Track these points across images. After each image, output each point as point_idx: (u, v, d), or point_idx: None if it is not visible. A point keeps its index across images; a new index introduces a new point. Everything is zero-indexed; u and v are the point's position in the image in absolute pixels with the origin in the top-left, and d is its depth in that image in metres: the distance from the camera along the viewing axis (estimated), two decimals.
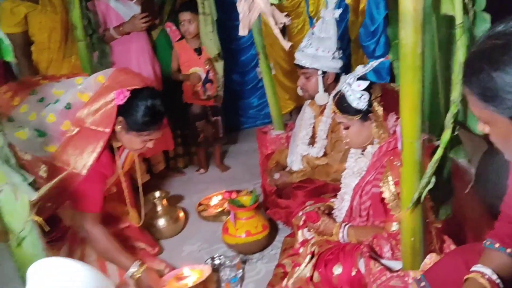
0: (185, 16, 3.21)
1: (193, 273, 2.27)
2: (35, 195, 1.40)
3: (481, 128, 1.02)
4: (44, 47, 2.98)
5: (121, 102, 2.04)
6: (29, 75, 2.91)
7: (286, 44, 1.25)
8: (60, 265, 0.84)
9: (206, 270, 2.20)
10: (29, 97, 2.14)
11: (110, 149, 2.21)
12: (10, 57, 1.41)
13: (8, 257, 1.56)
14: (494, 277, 1.12)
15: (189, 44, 3.32)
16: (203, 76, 3.31)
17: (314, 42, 2.50)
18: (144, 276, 2.11)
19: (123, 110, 2.07)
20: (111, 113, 2.06)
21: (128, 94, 2.05)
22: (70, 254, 2.28)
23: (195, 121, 3.42)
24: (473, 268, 1.16)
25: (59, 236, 2.31)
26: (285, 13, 1.26)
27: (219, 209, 2.97)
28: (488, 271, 1.13)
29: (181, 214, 2.89)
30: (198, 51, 3.32)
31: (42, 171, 1.94)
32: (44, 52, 3.00)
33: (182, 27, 3.26)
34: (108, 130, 2.06)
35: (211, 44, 3.16)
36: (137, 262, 2.14)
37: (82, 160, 2.02)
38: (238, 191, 2.93)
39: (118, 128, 2.10)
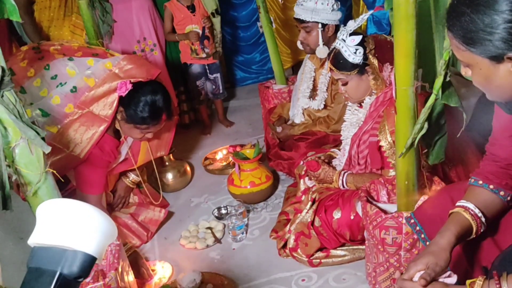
0: None
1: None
2: (48, 149, 1.48)
3: (463, 71, 1.08)
4: (45, 5, 3.00)
5: (123, 94, 2.10)
6: (34, 34, 2.95)
7: None
8: (71, 206, 0.87)
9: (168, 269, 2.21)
10: (43, 71, 2.19)
11: (116, 133, 2.27)
12: (16, 17, 1.45)
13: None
14: (476, 211, 1.20)
15: (181, 2, 3.30)
16: (200, 33, 3.32)
17: None
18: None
19: (125, 102, 2.13)
20: (113, 101, 2.11)
21: (130, 87, 2.10)
22: None
23: (196, 80, 3.46)
24: (457, 204, 1.25)
25: (68, 195, 2.37)
26: None
27: (224, 163, 3.07)
28: (471, 206, 1.21)
29: (188, 168, 2.99)
30: (192, 8, 3.29)
31: None
32: (45, 10, 3.02)
33: None
34: (108, 117, 2.12)
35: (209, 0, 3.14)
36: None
37: (81, 145, 2.09)
38: (242, 145, 3.01)
39: (118, 116, 2.18)
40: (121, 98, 2.14)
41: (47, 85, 2.16)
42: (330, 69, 2.06)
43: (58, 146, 2.03)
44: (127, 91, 2.10)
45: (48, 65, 2.22)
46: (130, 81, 2.12)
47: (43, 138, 1.49)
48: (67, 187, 2.33)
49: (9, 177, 1.47)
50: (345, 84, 2.04)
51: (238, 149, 2.92)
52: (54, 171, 1.55)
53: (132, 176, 2.55)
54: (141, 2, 3.24)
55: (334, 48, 2.02)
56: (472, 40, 0.98)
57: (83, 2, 2.72)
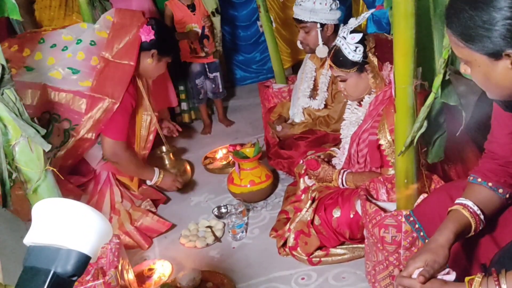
0: None
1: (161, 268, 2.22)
2: (48, 147, 1.49)
3: (463, 69, 1.08)
4: (46, 5, 3.02)
5: (152, 37, 2.31)
6: None
7: None
8: (66, 205, 0.87)
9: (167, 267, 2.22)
10: (39, 46, 2.26)
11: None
12: (17, 15, 1.46)
13: None
14: (475, 208, 1.21)
15: (181, 1, 3.30)
16: (199, 32, 3.32)
17: None
18: (162, 181, 2.57)
19: (155, 42, 2.34)
20: (135, 47, 2.29)
21: (151, 30, 2.31)
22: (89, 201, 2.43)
23: (195, 79, 3.47)
24: (456, 201, 1.25)
25: (87, 180, 2.46)
26: None
27: (224, 162, 3.07)
28: (469, 203, 1.22)
29: (188, 167, 2.99)
30: (192, 7, 3.31)
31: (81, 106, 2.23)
32: (45, 10, 3.04)
33: None
34: (133, 62, 2.28)
35: None
36: (157, 171, 2.55)
37: (117, 90, 2.24)
38: (242, 145, 3.02)
39: (149, 60, 2.37)
40: (144, 44, 2.33)
41: (50, 53, 2.26)
42: (330, 66, 2.07)
43: (98, 96, 2.19)
44: (152, 34, 2.31)
45: (42, 39, 2.30)
46: (151, 26, 2.33)
47: (43, 136, 1.50)
48: (81, 179, 2.41)
49: (9, 175, 1.48)
50: (343, 81, 2.05)
51: (238, 148, 2.93)
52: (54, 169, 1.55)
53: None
54: (141, 1, 3.24)
55: (335, 45, 2.03)
56: (470, 37, 0.99)
57: (83, 1, 2.73)
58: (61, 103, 2.22)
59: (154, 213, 2.55)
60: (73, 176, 2.40)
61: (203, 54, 3.38)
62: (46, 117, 2.24)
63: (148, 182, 2.61)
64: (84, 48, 2.27)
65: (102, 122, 2.26)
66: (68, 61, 2.23)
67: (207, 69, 3.50)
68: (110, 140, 2.34)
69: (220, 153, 3.18)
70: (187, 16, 3.31)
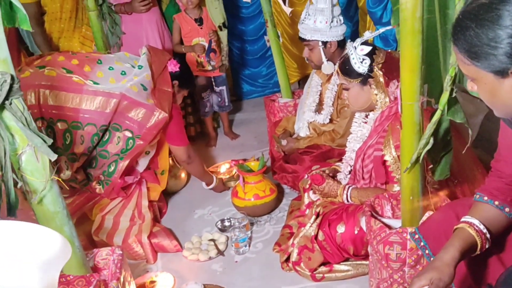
0: None
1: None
2: (54, 156, 1.49)
3: (469, 86, 1.08)
4: (56, 17, 3.05)
5: (177, 69, 2.61)
6: (43, 44, 3.00)
7: (287, 10, 1.30)
8: (12, 228, 0.80)
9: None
10: (98, 65, 2.49)
11: None
12: (27, 26, 1.47)
13: None
14: (481, 227, 1.20)
15: (189, 15, 3.33)
16: (206, 46, 3.35)
17: (312, 13, 2.51)
18: (217, 185, 2.86)
19: (177, 75, 2.62)
20: (168, 76, 2.59)
21: (177, 63, 2.61)
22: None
23: (201, 92, 3.48)
24: (462, 219, 1.24)
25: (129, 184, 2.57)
26: None
27: (227, 176, 3.07)
28: (475, 222, 1.21)
29: (183, 175, 3.01)
30: (199, 21, 3.33)
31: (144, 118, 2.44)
32: (56, 22, 3.07)
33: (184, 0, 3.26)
34: (170, 89, 2.57)
35: (216, 13, 3.18)
36: (214, 177, 2.84)
37: (167, 105, 2.50)
38: (245, 159, 3.01)
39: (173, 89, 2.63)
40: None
41: (110, 74, 2.48)
42: (337, 72, 2.09)
43: (160, 110, 2.44)
44: (177, 67, 2.60)
45: (100, 60, 2.53)
46: (173, 60, 2.63)
47: (49, 146, 1.50)
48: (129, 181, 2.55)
49: (15, 184, 1.48)
50: (346, 89, 2.07)
51: (241, 162, 2.92)
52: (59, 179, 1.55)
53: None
54: (150, 14, 3.28)
55: (346, 53, 2.05)
56: (476, 54, 0.99)
57: (93, 13, 2.77)
58: (127, 115, 2.40)
59: (170, 233, 2.53)
60: (129, 175, 2.55)
61: (209, 68, 3.39)
62: (108, 125, 2.41)
63: (204, 186, 2.85)
64: (148, 72, 2.52)
65: (159, 134, 2.50)
66: (138, 80, 2.46)
67: (214, 83, 3.52)
68: (181, 148, 2.64)
69: (223, 168, 3.17)
70: (194, 30, 3.34)
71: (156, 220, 2.61)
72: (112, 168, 2.43)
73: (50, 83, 2.29)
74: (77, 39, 3.18)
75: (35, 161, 1.50)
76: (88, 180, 2.43)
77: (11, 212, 1.47)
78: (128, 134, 2.42)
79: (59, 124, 2.30)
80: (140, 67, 2.53)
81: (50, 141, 1.50)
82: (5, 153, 1.41)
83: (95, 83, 2.38)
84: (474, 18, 0.98)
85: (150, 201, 2.63)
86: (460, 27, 1.01)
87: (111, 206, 2.50)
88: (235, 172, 2.91)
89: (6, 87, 1.37)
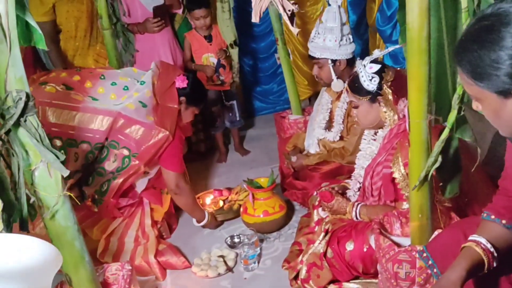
0: (200, 12, 3.27)
1: None
2: (66, 172, 1.53)
3: (474, 106, 1.09)
4: (71, 35, 3.12)
5: (184, 85, 2.53)
6: (58, 62, 3.07)
7: (294, 30, 1.33)
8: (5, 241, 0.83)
9: None
10: (100, 81, 2.49)
11: None
12: (43, 45, 1.53)
13: None
14: (489, 245, 1.19)
15: (199, 33, 3.40)
16: (215, 61, 3.40)
17: (321, 32, 2.54)
18: (208, 223, 2.66)
19: (184, 91, 2.54)
20: (174, 92, 2.53)
21: (186, 79, 2.54)
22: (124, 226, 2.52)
23: (211, 106, 3.52)
24: (469, 238, 1.23)
25: (130, 204, 2.54)
26: (293, 1, 1.33)
27: (214, 208, 2.82)
28: (482, 240, 1.20)
29: None
30: (209, 38, 3.40)
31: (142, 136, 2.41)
32: (71, 40, 3.14)
33: (197, 22, 3.32)
34: (176, 106, 2.50)
35: (228, 31, 3.24)
36: (207, 213, 2.64)
37: (172, 127, 2.44)
38: (229, 189, 2.94)
39: (180, 106, 2.54)
40: (177, 90, 2.54)
41: (112, 90, 2.47)
42: (346, 90, 2.10)
43: (160, 128, 2.40)
44: (185, 82, 2.53)
45: (103, 75, 2.53)
46: (183, 74, 2.58)
47: (62, 162, 1.54)
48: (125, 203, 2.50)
49: (27, 200, 1.51)
50: (356, 107, 2.08)
51: (225, 193, 2.89)
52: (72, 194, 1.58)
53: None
54: (163, 34, 3.35)
55: (355, 71, 2.07)
56: (479, 75, 1.00)
57: (107, 32, 2.83)
58: (124, 132, 2.38)
59: (176, 250, 2.53)
60: (124, 198, 2.50)
61: (219, 82, 3.44)
62: (104, 143, 2.40)
63: (195, 223, 2.67)
64: (149, 88, 2.50)
65: (158, 154, 2.43)
66: (137, 97, 2.45)
67: (224, 97, 3.55)
68: (172, 173, 2.48)
69: (207, 200, 2.91)
70: (204, 46, 3.40)
71: (160, 237, 2.59)
72: (105, 187, 2.40)
73: (50, 100, 2.31)
74: (91, 56, 3.25)
75: (47, 176, 1.53)
76: (83, 198, 2.39)
77: (24, 226, 1.50)
78: (125, 152, 2.40)
79: (57, 141, 2.31)
80: (142, 83, 2.52)
81: (62, 157, 1.53)
82: (18, 169, 1.45)
83: (94, 99, 2.39)
84: (476, 39, 0.99)
85: (154, 221, 2.58)
86: (463, 49, 1.03)
87: (112, 227, 2.46)
88: (223, 204, 2.82)
89: (21, 105, 1.41)
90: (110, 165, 2.40)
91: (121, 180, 2.40)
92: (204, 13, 3.28)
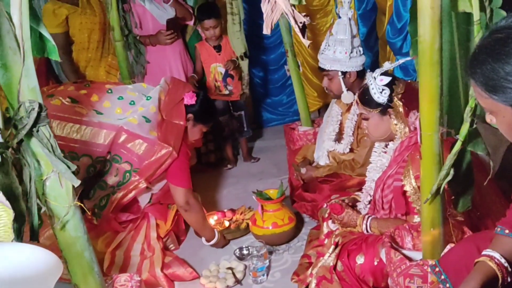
0: (210, 23, 3.31)
1: None
2: (77, 182, 1.54)
3: (488, 119, 1.08)
4: (84, 47, 3.17)
5: (193, 102, 2.54)
6: (71, 73, 3.11)
7: (306, 42, 1.34)
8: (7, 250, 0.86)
9: None
10: (107, 95, 2.52)
11: None
12: (56, 56, 1.55)
13: None
14: (503, 260, 1.17)
15: (208, 43, 3.44)
16: (223, 71, 3.43)
17: (331, 44, 2.56)
18: (218, 242, 2.60)
19: (192, 108, 2.55)
20: (182, 109, 2.53)
21: (194, 96, 2.54)
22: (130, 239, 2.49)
23: (219, 116, 3.53)
24: (483, 253, 1.21)
25: (132, 218, 2.52)
26: (304, 14, 1.34)
27: (220, 229, 2.74)
28: (496, 255, 1.18)
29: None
30: (218, 48, 3.44)
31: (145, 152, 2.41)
32: (83, 51, 3.19)
33: (207, 32, 3.35)
34: (182, 122, 2.51)
35: (238, 43, 3.27)
36: (217, 232, 2.59)
37: (176, 143, 2.44)
38: (233, 210, 2.91)
39: (187, 123, 2.54)
40: (186, 107, 2.54)
41: (118, 104, 2.49)
42: (356, 102, 2.10)
43: (163, 145, 2.40)
44: (193, 99, 2.53)
45: (110, 89, 2.54)
46: (192, 91, 2.57)
47: (73, 172, 1.55)
48: (127, 217, 2.49)
49: (38, 209, 1.52)
50: (366, 119, 2.08)
51: (228, 214, 2.86)
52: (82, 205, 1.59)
53: None
54: (174, 46, 3.39)
55: (366, 83, 2.07)
56: (493, 88, 0.99)
57: (119, 44, 2.87)
58: (127, 146, 2.39)
59: (183, 261, 2.51)
60: (124, 213, 2.48)
61: (226, 92, 3.46)
62: (107, 156, 2.40)
63: (204, 242, 2.62)
64: (155, 103, 2.51)
65: (161, 170, 2.43)
66: (141, 112, 2.46)
67: (232, 108, 3.56)
68: (182, 189, 2.45)
69: (212, 220, 2.81)
70: (212, 56, 3.43)
71: (166, 249, 2.57)
72: (104, 202, 2.38)
73: (55, 113, 2.31)
74: (103, 68, 3.29)
75: (59, 187, 1.54)
76: (83, 211, 2.38)
77: (34, 236, 1.50)
78: (127, 167, 2.39)
79: None
80: (148, 98, 2.53)
81: (74, 167, 1.54)
82: (30, 179, 1.46)
83: (98, 113, 2.40)
84: (490, 52, 0.98)
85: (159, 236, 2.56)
86: (476, 61, 1.02)
87: (118, 240, 2.43)
88: (229, 224, 2.79)
89: (33, 115, 1.42)
90: (111, 179, 2.39)
91: (120, 194, 2.38)
92: (214, 24, 3.31)
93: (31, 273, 0.83)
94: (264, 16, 1.36)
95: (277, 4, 1.26)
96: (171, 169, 2.45)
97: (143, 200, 2.55)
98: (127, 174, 2.39)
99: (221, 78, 3.42)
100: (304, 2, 1.34)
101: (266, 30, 1.38)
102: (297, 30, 1.29)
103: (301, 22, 1.26)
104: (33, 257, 0.85)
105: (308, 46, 1.39)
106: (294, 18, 1.24)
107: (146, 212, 2.56)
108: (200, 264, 2.52)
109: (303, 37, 1.30)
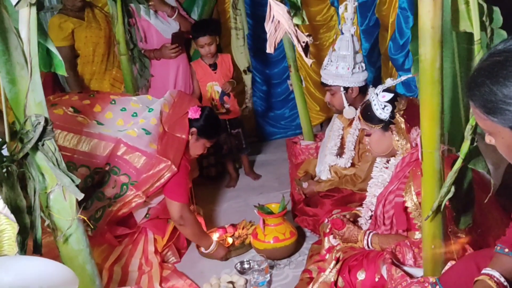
0: (205, 40, 3.27)
1: None
2: (81, 196, 1.55)
3: (487, 140, 1.09)
4: (89, 60, 3.21)
5: (197, 117, 2.53)
6: (76, 85, 3.14)
7: (308, 61, 1.36)
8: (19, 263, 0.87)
9: None
10: (110, 106, 2.53)
11: None
12: (63, 72, 1.57)
13: None
14: (502, 279, 1.18)
15: (204, 61, 3.41)
16: (219, 90, 3.40)
17: (334, 59, 2.58)
18: (216, 251, 2.60)
19: (198, 123, 2.55)
20: (185, 123, 2.53)
21: (199, 110, 2.54)
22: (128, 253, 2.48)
23: None
24: (482, 271, 1.22)
25: (128, 233, 2.52)
26: (307, 33, 1.36)
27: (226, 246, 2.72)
28: (496, 274, 1.19)
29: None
30: (214, 66, 3.40)
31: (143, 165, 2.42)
32: (88, 65, 3.23)
33: (202, 49, 3.32)
34: (185, 136, 2.50)
35: (242, 58, 3.30)
36: (214, 241, 2.60)
37: (176, 157, 2.43)
38: (234, 225, 2.90)
39: (190, 137, 2.55)
40: (190, 121, 2.54)
41: (120, 115, 2.50)
42: (358, 118, 2.11)
43: (162, 158, 2.40)
44: (198, 114, 2.53)
45: (114, 100, 2.56)
46: (198, 105, 2.57)
47: (77, 186, 1.56)
48: (123, 231, 2.48)
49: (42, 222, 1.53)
50: (368, 135, 2.09)
51: (229, 229, 2.84)
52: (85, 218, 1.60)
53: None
54: (178, 59, 3.42)
55: (368, 99, 2.09)
56: (492, 110, 1.00)
57: (124, 57, 2.90)
58: (125, 158, 2.39)
59: (181, 273, 2.51)
60: (119, 227, 2.48)
61: (223, 110, 3.45)
62: (106, 168, 2.39)
63: (203, 250, 2.63)
64: (156, 116, 2.52)
65: (159, 184, 2.42)
66: (142, 124, 2.47)
67: (229, 126, 3.55)
68: (177, 203, 2.45)
69: (214, 236, 2.77)
70: (208, 74, 3.40)
71: (164, 261, 2.57)
72: (99, 214, 2.35)
73: (57, 123, 2.30)
74: (107, 81, 3.32)
75: (62, 200, 1.55)
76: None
77: (37, 249, 1.51)
78: (125, 179, 2.39)
79: None
80: (150, 110, 2.53)
81: (78, 181, 1.56)
82: (34, 192, 1.47)
83: (99, 123, 2.42)
84: (488, 75, 1.00)
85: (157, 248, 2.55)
86: (475, 83, 1.03)
87: (115, 255, 2.42)
88: (233, 241, 2.76)
89: (39, 129, 1.44)
90: (109, 191, 2.39)
91: (116, 207, 2.37)
92: (208, 41, 3.27)
93: (49, 287, 0.85)
94: (268, 35, 1.38)
95: (281, 24, 1.28)
96: (169, 183, 2.44)
97: (139, 215, 2.53)
98: (124, 186, 2.39)
99: (217, 97, 3.41)
100: (307, 22, 1.37)
101: (270, 49, 1.40)
102: (300, 49, 1.31)
103: (304, 42, 1.29)
104: (51, 271, 0.88)
105: (311, 65, 1.41)
106: (297, 37, 1.26)
107: (143, 227, 2.55)
108: (200, 278, 2.51)
109: (306, 56, 1.32)
